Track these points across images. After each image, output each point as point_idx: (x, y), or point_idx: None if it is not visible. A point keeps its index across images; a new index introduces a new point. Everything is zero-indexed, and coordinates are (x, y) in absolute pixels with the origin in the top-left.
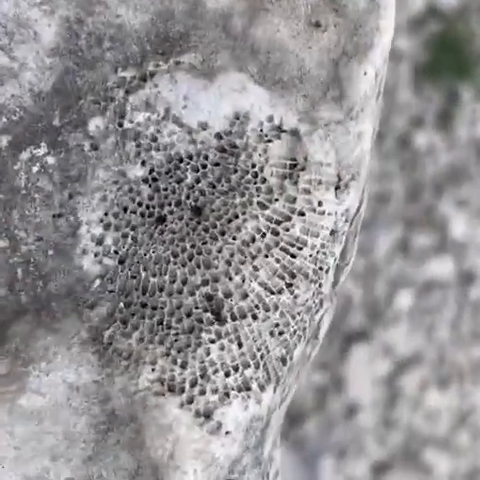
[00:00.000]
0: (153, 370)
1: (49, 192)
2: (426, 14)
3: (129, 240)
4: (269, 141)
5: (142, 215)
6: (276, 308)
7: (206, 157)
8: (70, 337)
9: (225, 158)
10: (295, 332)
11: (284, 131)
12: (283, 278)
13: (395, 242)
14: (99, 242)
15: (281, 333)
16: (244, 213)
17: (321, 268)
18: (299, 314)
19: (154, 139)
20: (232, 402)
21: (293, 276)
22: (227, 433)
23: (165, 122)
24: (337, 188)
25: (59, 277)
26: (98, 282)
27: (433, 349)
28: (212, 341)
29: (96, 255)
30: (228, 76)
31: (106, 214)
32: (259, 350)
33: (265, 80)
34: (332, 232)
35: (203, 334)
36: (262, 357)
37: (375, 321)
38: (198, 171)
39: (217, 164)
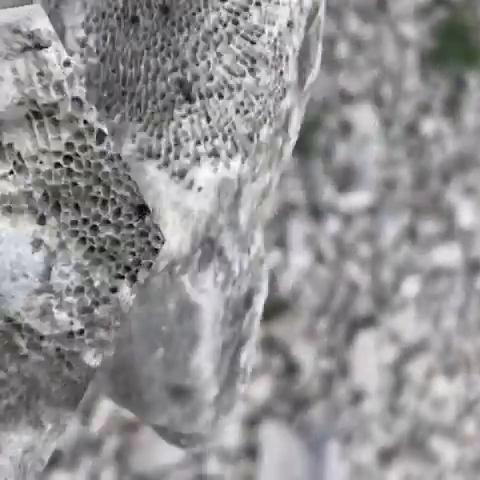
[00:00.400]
0: (133, 141)
1: None
2: (433, 2)
3: (108, 40)
4: None
5: (118, 18)
6: (239, 88)
7: None
8: None
9: None
10: (260, 112)
11: None
12: (245, 62)
13: (402, 229)
14: (83, 44)
15: (246, 111)
16: (206, 6)
17: (280, 56)
18: (262, 96)
19: None
20: (202, 164)
21: (254, 61)
22: (200, 189)
23: None
24: None
25: None
26: (85, 79)
27: (440, 337)
28: (183, 116)
29: (81, 55)
30: None
31: (87, 19)
32: (226, 124)
33: None
34: (289, 23)
35: (175, 111)
36: (229, 131)
37: (382, 307)
38: None
39: None
